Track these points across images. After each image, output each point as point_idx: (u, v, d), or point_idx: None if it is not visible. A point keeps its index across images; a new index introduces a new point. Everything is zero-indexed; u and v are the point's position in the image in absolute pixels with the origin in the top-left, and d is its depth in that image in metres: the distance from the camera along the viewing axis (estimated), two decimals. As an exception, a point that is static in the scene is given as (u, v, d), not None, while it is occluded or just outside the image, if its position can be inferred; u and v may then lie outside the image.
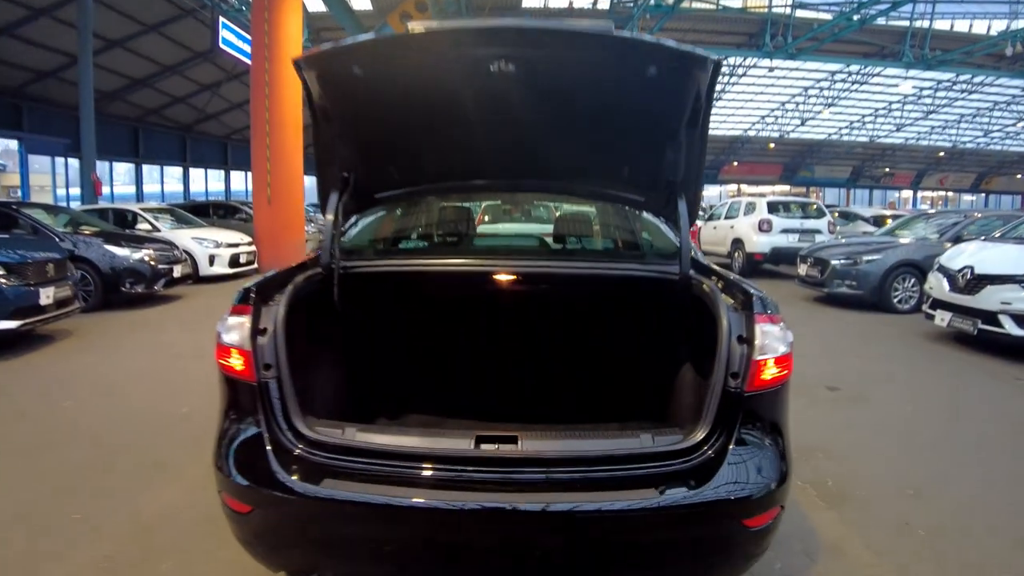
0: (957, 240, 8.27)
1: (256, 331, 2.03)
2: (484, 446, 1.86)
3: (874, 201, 43.23)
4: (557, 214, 4.59)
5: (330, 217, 2.51)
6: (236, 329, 2.02)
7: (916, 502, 3.10)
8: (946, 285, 6.47)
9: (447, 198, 3.60)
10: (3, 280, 5.59)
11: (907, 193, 45.66)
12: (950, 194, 45.88)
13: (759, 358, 1.94)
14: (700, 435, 1.89)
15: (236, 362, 2.00)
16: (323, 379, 2.49)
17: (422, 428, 2.55)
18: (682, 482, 1.80)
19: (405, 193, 3.01)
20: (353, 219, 3.07)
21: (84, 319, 7.17)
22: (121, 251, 8.19)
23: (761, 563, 2.08)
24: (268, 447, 1.90)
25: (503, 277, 2.71)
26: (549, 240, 3.54)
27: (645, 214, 3.25)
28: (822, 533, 2.80)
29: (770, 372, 1.95)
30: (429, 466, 1.83)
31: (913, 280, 8.47)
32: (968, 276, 6.18)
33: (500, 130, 2.56)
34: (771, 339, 1.97)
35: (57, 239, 7.76)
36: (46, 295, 5.91)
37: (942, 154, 40.86)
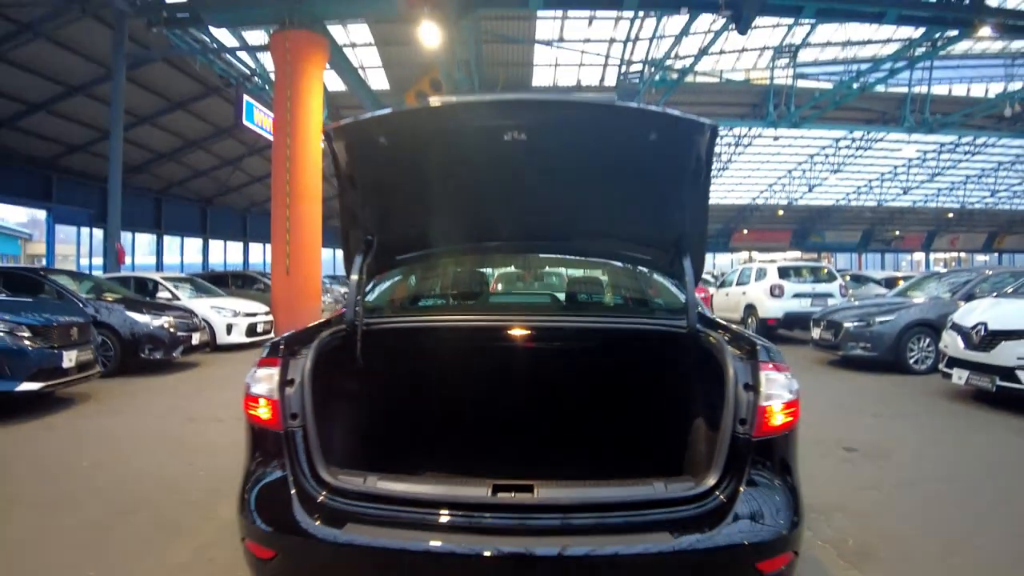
0: (970, 298, 8.21)
1: (284, 382, 2.12)
2: (501, 494, 1.90)
3: (886, 265, 43.17)
4: (568, 280, 4.76)
5: (355, 277, 2.63)
6: (265, 380, 2.12)
7: (939, 562, 3.03)
8: (960, 343, 6.44)
9: (462, 261, 3.73)
10: (28, 342, 5.71)
11: (919, 255, 45.63)
12: (963, 255, 45.74)
13: (765, 404, 2.01)
14: (711, 481, 1.93)
15: (264, 412, 2.08)
16: (345, 430, 2.55)
17: (441, 476, 2.60)
18: (695, 527, 1.83)
19: (423, 255, 3.17)
20: (374, 281, 3.20)
21: (103, 383, 7.24)
22: (142, 318, 8.35)
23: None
24: (293, 493, 1.95)
25: (516, 332, 2.81)
26: (562, 296, 3.64)
27: (655, 275, 3.36)
28: (844, 592, 2.73)
29: (777, 418, 2.01)
30: (447, 512, 1.87)
31: (928, 340, 8.39)
32: (982, 333, 6.16)
33: (513, 195, 2.71)
34: (777, 386, 2.04)
35: (81, 304, 7.95)
36: (69, 358, 6.03)
37: (951, 215, 40.85)
